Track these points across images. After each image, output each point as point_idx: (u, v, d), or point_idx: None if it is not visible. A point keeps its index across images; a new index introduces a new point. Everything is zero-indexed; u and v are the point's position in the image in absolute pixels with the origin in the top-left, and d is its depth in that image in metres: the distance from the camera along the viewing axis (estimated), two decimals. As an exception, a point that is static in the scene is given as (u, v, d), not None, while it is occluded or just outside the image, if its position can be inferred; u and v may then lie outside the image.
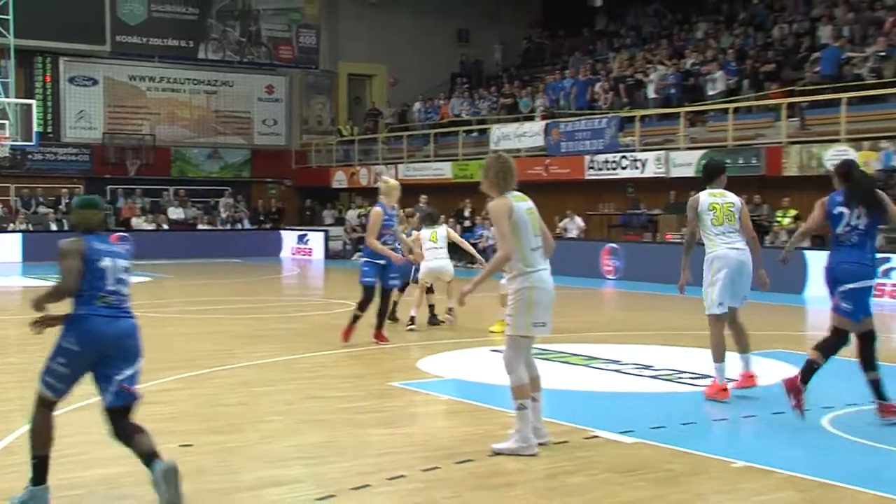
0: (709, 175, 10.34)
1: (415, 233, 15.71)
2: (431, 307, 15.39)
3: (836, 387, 10.76)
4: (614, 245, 25.62)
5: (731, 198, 9.97)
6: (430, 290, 15.58)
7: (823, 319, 17.87)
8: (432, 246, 15.23)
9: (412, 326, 14.85)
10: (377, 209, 13.06)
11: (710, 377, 10.76)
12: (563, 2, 41.28)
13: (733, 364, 9.81)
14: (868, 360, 8.69)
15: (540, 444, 7.60)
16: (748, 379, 9.90)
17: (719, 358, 9.70)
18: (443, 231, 15.49)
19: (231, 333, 14.69)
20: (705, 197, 9.96)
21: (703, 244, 9.94)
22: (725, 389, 9.61)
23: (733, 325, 10.00)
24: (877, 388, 8.64)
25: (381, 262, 13.01)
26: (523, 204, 7.68)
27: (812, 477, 6.91)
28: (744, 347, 9.98)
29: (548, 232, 7.96)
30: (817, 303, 19.78)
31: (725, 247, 9.73)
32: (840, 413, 9.12)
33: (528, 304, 7.54)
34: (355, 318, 13.02)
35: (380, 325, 13.34)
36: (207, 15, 37.99)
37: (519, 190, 7.78)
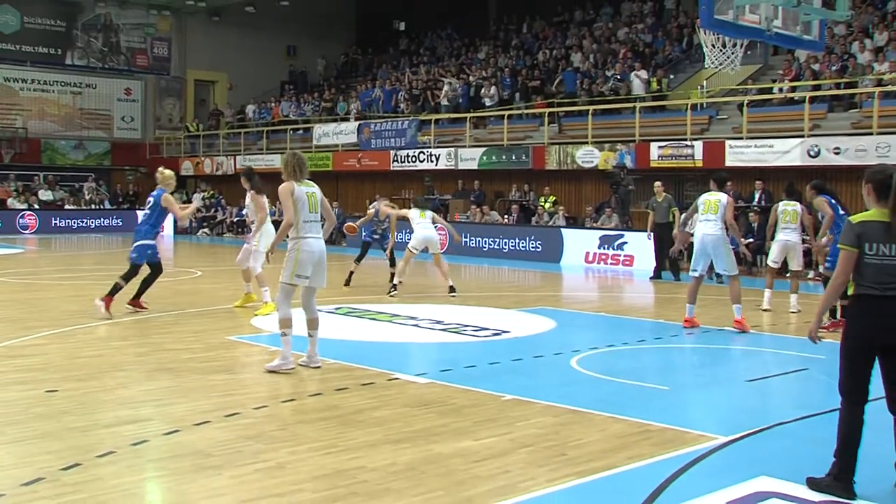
0: (719, 184, 11.64)
1: (404, 211, 15.30)
2: (393, 275, 15.04)
3: (581, 335, 11.26)
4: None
5: (721, 196, 11.36)
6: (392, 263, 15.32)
7: (576, 283, 18.62)
8: (421, 221, 14.82)
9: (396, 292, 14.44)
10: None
11: (488, 330, 11.09)
12: (373, 26, 41.26)
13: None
14: None
15: (312, 368, 8.34)
16: (740, 323, 11.15)
17: (691, 301, 11.35)
18: (429, 213, 15.11)
19: (92, 297, 14.09)
20: (704, 196, 11.50)
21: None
22: (689, 321, 11.31)
23: (731, 286, 11.25)
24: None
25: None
26: (306, 188, 8.26)
27: (564, 405, 7.16)
28: (734, 300, 11.18)
29: (330, 211, 8.58)
30: (571, 270, 20.53)
31: (702, 230, 11.26)
32: (584, 355, 9.47)
33: (294, 261, 8.19)
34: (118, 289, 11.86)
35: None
36: (74, 27, 36.42)
37: (312, 178, 8.47)
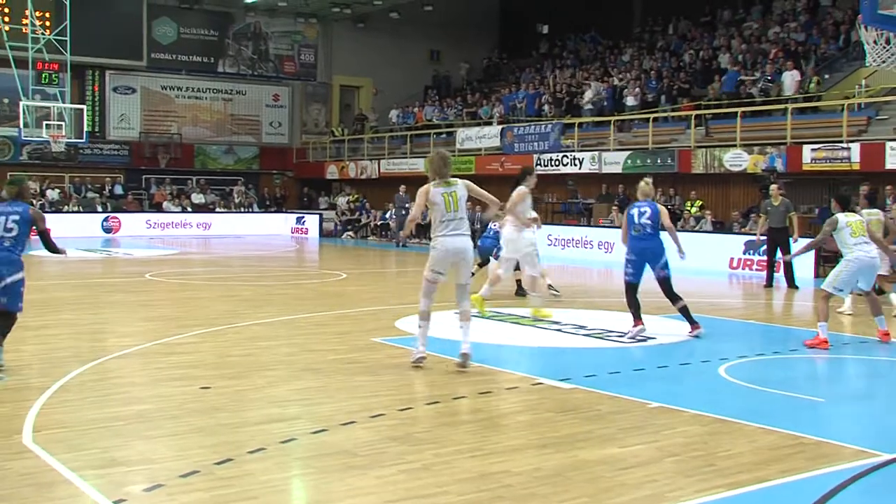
0: (843, 204, 10.73)
1: None
2: None
3: (729, 343, 10.91)
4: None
5: (858, 217, 10.77)
6: None
7: (722, 289, 18.08)
8: None
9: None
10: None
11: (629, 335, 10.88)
12: (516, 29, 41.25)
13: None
14: None
15: (461, 354, 8.61)
16: (887, 334, 10.58)
17: (825, 319, 10.30)
18: None
19: (241, 297, 14.62)
20: (843, 218, 10.49)
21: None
22: (826, 342, 10.15)
23: (868, 297, 10.77)
24: None
25: None
26: (443, 188, 8.61)
27: (712, 414, 6.96)
28: (878, 311, 10.73)
29: (488, 196, 8.96)
30: (715, 276, 19.92)
31: (860, 252, 10.37)
32: (733, 363, 9.19)
33: (432, 259, 8.66)
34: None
35: None
36: (225, 36, 37.84)
37: (447, 177, 8.66)
